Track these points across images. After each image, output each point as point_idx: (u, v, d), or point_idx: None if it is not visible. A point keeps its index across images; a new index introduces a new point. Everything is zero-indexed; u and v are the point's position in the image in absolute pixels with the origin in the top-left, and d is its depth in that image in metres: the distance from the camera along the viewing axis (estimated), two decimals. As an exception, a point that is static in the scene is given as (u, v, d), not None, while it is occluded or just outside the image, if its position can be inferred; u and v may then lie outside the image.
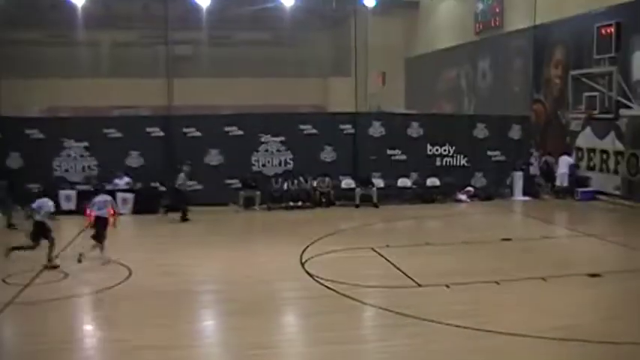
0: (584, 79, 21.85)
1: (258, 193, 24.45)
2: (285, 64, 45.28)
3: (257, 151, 25.31)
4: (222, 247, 18.05)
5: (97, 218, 16.19)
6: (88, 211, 16.52)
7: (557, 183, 26.58)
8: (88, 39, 41.16)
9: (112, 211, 16.43)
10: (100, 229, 16.01)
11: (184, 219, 22.01)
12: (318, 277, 14.39)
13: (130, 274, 14.69)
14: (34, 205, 15.76)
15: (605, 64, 21.96)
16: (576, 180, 26.58)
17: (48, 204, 15.85)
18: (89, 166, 24.37)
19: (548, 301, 12.73)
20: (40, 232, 15.48)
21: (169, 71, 38.31)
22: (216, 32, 44.56)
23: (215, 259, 16.73)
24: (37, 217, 15.56)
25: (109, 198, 16.69)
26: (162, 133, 25.00)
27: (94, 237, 15.91)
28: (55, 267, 15.21)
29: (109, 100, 38.16)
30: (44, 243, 15.39)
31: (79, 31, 39.13)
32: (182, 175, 22.52)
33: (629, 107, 20.70)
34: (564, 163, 26.76)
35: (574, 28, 27.96)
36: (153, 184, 23.97)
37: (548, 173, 27.49)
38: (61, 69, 40.05)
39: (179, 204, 22.32)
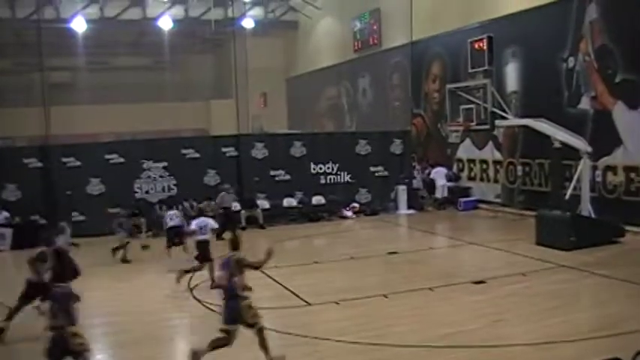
0: (460, 93, 22.35)
1: (143, 220, 23.94)
2: (166, 88, 44.97)
3: (139, 178, 24.80)
4: (108, 277, 17.50)
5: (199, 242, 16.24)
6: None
7: (438, 195, 27.15)
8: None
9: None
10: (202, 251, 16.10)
11: None
12: (206, 302, 14.16)
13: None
14: (194, 225, 16.23)
15: (479, 77, 22.55)
16: (453, 189, 27.29)
17: (210, 222, 16.40)
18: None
19: (435, 310, 12.91)
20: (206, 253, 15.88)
21: (46, 99, 37.23)
22: (94, 58, 43.89)
23: (101, 290, 16.18)
24: (200, 237, 16.02)
25: (210, 221, 16.68)
26: (40, 164, 24.15)
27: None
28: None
29: (-20, 132, 36.84)
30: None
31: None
32: (222, 194, 23.32)
33: (504, 118, 21.33)
34: (440, 174, 27.37)
35: (449, 43, 28.81)
36: (33, 217, 23.14)
37: (431, 185, 28.04)
38: None
39: (228, 225, 22.37)
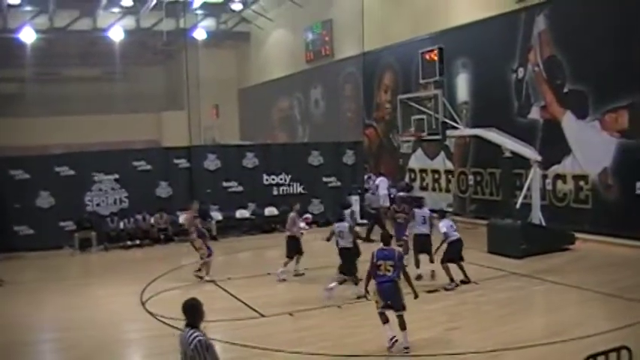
0: (411, 103, 22.49)
1: (94, 233, 23.67)
2: (118, 99, 44.57)
3: (90, 191, 24.41)
4: (58, 292, 17.22)
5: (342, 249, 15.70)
6: None
7: (380, 204, 26.88)
8: None
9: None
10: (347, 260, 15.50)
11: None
12: (159, 315, 14.02)
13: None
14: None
15: (430, 87, 22.74)
16: (406, 199, 27.24)
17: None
18: None
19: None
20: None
21: (-7, 111, 36.76)
22: (44, 69, 43.25)
23: (51, 305, 15.96)
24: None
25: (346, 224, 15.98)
26: (-14, 176, 23.68)
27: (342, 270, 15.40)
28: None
29: None
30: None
31: None
32: (368, 195, 24.38)
33: (455, 128, 21.51)
34: (383, 184, 27.38)
35: (400, 54, 29.02)
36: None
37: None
38: None
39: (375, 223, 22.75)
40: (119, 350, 12.53)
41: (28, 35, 38.18)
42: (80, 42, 43.31)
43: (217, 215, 25.38)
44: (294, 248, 17.56)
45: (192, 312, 7.13)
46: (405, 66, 28.38)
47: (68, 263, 21.93)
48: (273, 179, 26.70)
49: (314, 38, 37.90)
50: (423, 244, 16.51)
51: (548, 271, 16.55)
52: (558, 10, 21.62)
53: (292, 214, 17.97)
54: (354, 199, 27.07)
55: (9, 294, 17.21)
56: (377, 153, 31.67)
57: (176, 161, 25.66)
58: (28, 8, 39.91)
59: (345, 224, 15.94)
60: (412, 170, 29.12)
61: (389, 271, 11.24)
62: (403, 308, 11.20)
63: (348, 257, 15.47)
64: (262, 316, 13.65)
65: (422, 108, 21.91)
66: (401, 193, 27.33)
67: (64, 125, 41.12)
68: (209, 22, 45.65)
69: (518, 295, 14.68)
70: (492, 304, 13.92)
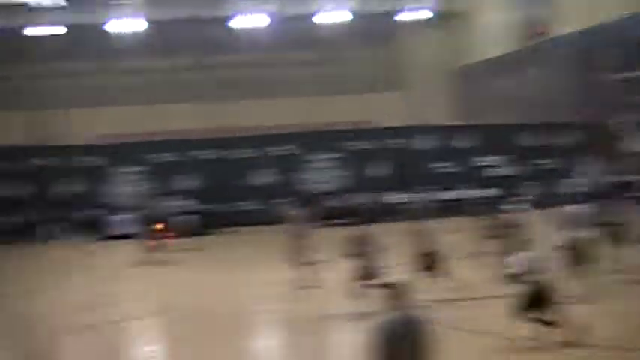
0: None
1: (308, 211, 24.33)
2: (332, 81, 45.14)
3: (308, 170, 25.49)
4: (267, 266, 17.99)
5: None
6: None
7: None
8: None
9: None
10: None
11: None
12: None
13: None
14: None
15: None
16: None
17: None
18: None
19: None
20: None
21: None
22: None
23: (261, 278, 16.71)
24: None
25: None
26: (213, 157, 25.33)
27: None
28: None
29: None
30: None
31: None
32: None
33: None
34: (591, 168, 26.14)
35: (624, 30, 27.53)
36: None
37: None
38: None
39: None
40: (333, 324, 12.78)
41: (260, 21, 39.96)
42: (302, 27, 44.40)
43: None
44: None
45: (401, 294, 7.19)
46: (627, 44, 26.96)
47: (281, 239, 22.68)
48: (485, 160, 26.36)
49: (531, 16, 36.91)
50: None
51: None
52: None
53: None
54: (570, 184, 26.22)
55: (227, 268, 18.19)
56: (595, 135, 30.33)
57: (389, 142, 25.88)
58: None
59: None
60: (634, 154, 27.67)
61: None
62: None
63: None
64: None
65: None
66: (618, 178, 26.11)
67: (281, 107, 42.38)
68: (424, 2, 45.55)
69: None
70: None
